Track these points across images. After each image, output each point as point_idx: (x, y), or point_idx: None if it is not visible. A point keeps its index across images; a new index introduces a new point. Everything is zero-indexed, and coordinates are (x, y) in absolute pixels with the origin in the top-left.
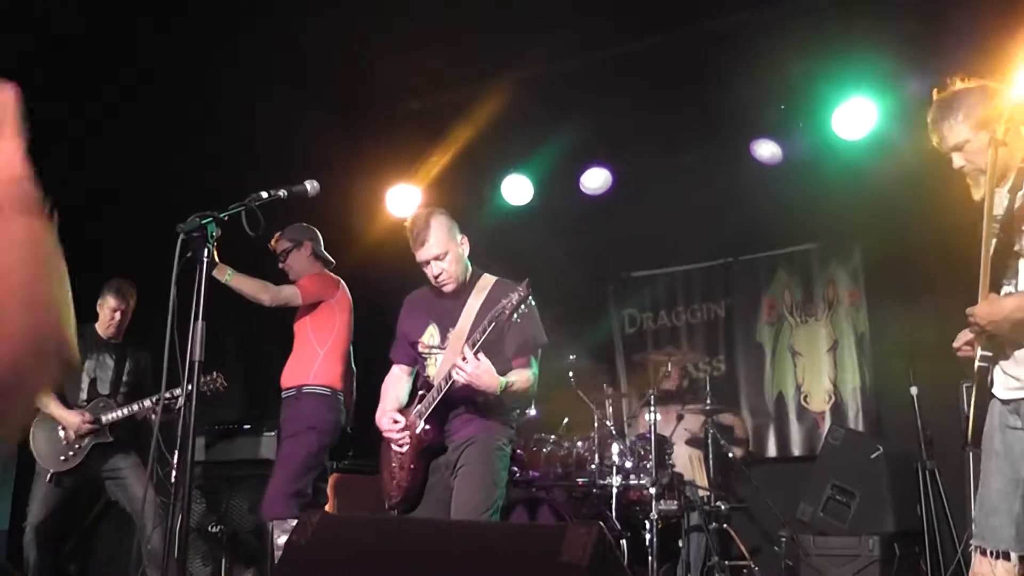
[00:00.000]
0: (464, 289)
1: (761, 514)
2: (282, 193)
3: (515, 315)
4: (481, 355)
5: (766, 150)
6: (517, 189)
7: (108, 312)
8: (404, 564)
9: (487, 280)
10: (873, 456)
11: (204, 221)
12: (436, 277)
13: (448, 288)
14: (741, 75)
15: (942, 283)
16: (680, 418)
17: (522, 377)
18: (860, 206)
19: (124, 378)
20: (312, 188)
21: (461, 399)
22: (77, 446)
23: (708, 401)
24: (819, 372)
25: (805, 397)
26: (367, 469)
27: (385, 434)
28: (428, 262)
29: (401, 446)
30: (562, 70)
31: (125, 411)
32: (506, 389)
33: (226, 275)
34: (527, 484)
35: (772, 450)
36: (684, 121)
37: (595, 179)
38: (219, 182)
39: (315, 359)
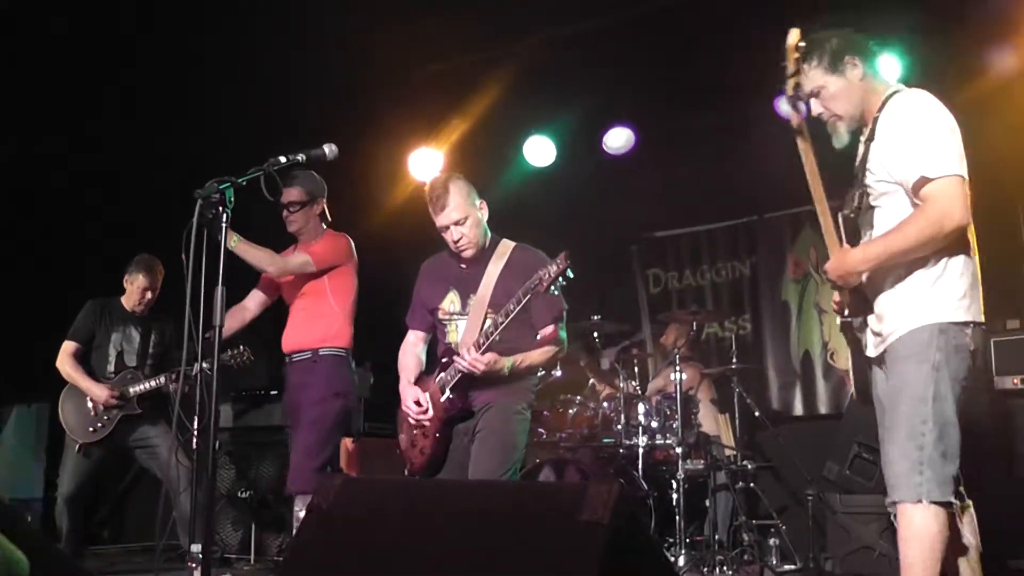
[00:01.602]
0: (484, 255)
1: (788, 473)
2: (300, 157)
3: (553, 288)
4: (489, 354)
5: (788, 107)
6: (539, 150)
7: (138, 290)
8: (426, 525)
9: (507, 245)
10: None
11: (222, 186)
12: (456, 242)
13: (468, 253)
14: (765, 31)
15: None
16: (704, 376)
17: (539, 352)
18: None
19: (151, 350)
20: (330, 151)
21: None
22: (105, 418)
23: (734, 360)
24: None
25: (831, 355)
26: (385, 433)
27: (410, 415)
28: (447, 227)
29: (425, 421)
30: (584, 30)
31: (152, 383)
32: (515, 368)
33: (232, 241)
34: (553, 445)
35: (799, 408)
36: (707, 78)
37: (618, 139)
38: (237, 148)
39: (334, 320)
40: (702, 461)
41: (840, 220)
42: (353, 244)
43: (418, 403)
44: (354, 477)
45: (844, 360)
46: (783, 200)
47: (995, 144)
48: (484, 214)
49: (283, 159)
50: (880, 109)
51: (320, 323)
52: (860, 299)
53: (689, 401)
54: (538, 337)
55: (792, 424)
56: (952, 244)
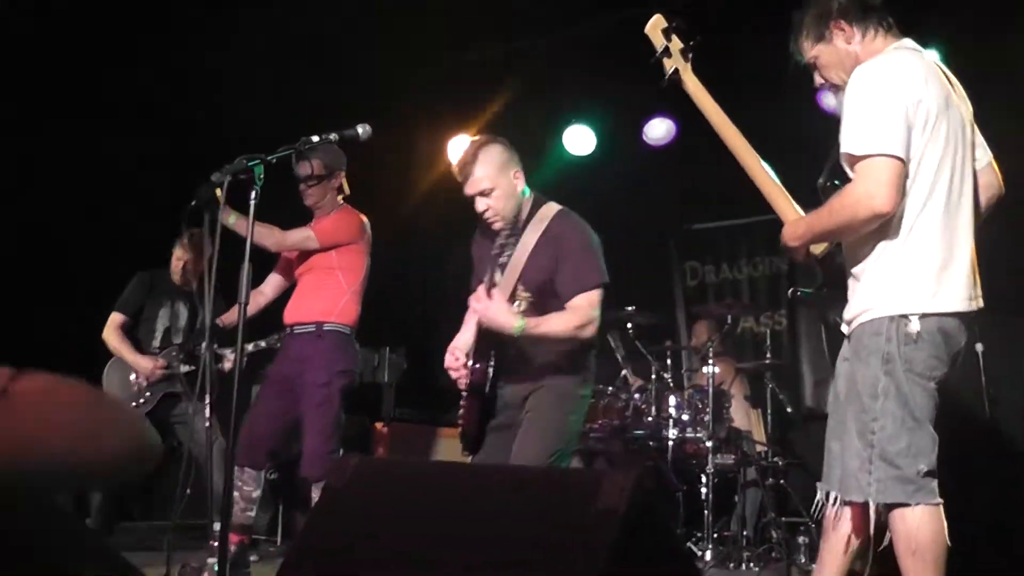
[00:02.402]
0: (525, 222)
1: (819, 471)
2: (333, 136)
3: (591, 256)
4: (496, 293)
5: (832, 100)
6: (579, 139)
7: (174, 260)
8: (439, 508)
9: (550, 209)
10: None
11: (251, 163)
12: (482, 214)
13: (497, 226)
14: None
15: (1014, 232)
16: (739, 371)
17: (560, 320)
18: None
19: (197, 327)
20: (364, 132)
21: (518, 340)
22: (148, 393)
23: (768, 356)
24: None
25: None
26: (416, 418)
27: (447, 367)
28: (474, 197)
29: (459, 382)
30: (626, 18)
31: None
32: (527, 330)
33: (231, 218)
34: (583, 436)
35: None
36: (749, 70)
37: (658, 129)
38: (271, 130)
39: (341, 296)
40: (732, 456)
41: (819, 190)
42: (366, 222)
43: (456, 358)
44: (369, 458)
45: None
46: (818, 190)
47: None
48: (520, 183)
49: (315, 138)
50: None
51: (326, 297)
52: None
53: (721, 395)
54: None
55: (825, 422)
56: (912, 218)
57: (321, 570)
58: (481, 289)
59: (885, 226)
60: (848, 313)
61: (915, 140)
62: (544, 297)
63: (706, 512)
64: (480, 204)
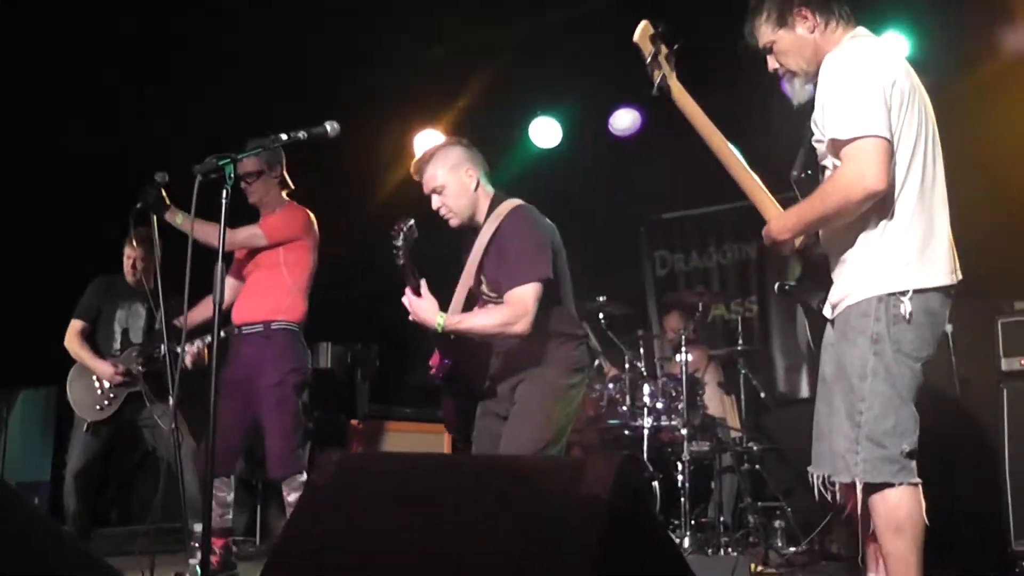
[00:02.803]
0: (485, 219)
1: (793, 455)
2: (302, 134)
3: (525, 250)
4: (424, 290)
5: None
6: (545, 132)
7: (127, 260)
8: (424, 500)
9: (505, 207)
10: None
11: (222, 162)
12: (437, 210)
13: (453, 223)
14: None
15: (979, 217)
16: (711, 359)
17: (485, 316)
18: None
19: (156, 327)
20: (332, 129)
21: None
22: (112, 395)
23: (740, 342)
24: None
25: None
26: (390, 414)
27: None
28: (430, 196)
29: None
30: (590, 9)
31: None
32: (448, 327)
33: (178, 218)
34: None
35: (805, 391)
36: (714, 58)
37: (624, 120)
38: (239, 127)
39: (287, 293)
40: (708, 443)
41: (792, 183)
42: (313, 218)
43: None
44: (352, 453)
45: None
46: (790, 182)
47: (1005, 122)
48: (472, 181)
49: (284, 136)
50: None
51: (273, 296)
52: (813, 265)
53: (695, 383)
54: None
55: (798, 406)
56: (888, 201)
57: (306, 568)
58: (408, 289)
59: (866, 208)
60: (833, 296)
61: (892, 121)
62: (495, 288)
63: (683, 499)
64: (435, 201)
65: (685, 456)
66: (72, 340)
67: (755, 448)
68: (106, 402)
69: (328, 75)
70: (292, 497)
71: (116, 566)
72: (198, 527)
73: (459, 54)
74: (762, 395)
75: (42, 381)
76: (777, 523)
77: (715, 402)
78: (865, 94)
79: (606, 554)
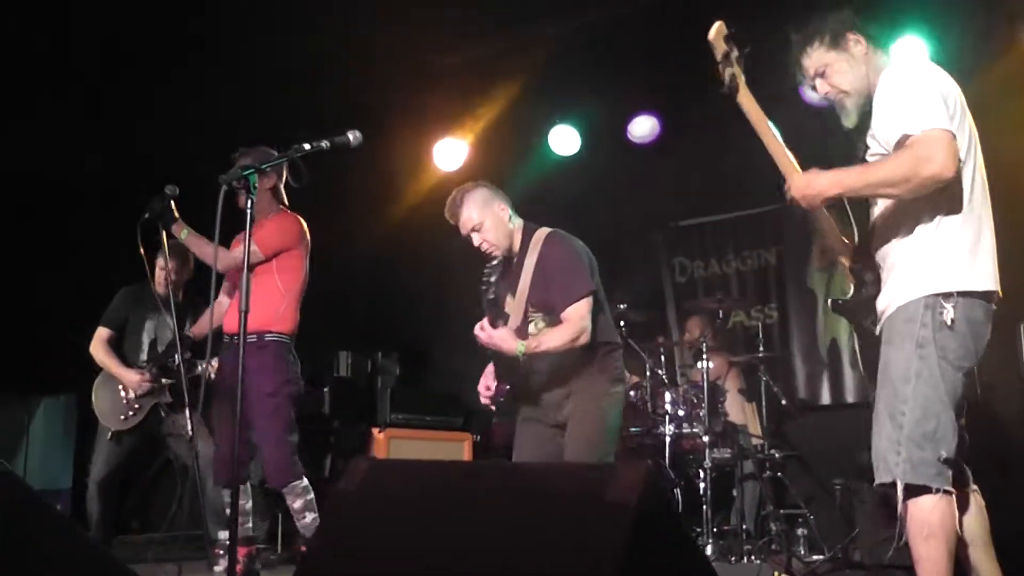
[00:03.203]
0: (520, 250)
1: (815, 462)
2: (324, 144)
3: (571, 271)
4: (499, 324)
5: (814, 93)
6: (564, 139)
7: (157, 271)
8: (452, 507)
9: (541, 234)
10: None
11: (246, 172)
12: (480, 247)
13: (496, 254)
14: (790, 17)
15: (999, 223)
16: (732, 366)
17: (556, 335)
18: None
19: (171, 338)
20: (355, 138)
21: (531, 356)
22: (137, 406)
23: (760, 349)
24: None
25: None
26: (411, 423)
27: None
28: (469, 235)
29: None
30: (608, 17)
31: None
32: (528, 351)
33: (183, 233)
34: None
35: (826, 397)
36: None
37: (642, 127)
38: (262, 135)
39: (279, 303)
40: (729, 450)
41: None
42: (305, 226)
43: (488, 387)
44: (380, 460)
45: None
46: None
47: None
48: (504, 214)
49: (307, 146)
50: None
51: (265, 305)
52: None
53: (716, 390)
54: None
55: (819, 413)
56: (940, 207)
57: (336, 573)
58: (484, 322)
59: (918, 214)
60: (880, 303)
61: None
62: (555, 314)
63: (705, 507)
64: (476, 240)
65: (707, 463)
66: (98, 348)
67: (777, 455)
68: (131, 412)
69: (348, 85)
70: (298, 504)
71: (139, 573)
72: (220, 535)
73: (478, 63)
74: (783, 402)
75: (63, 389)
76: (800, 531)
77: (736, 409)
78: (929, 95)
79: (633, 561)
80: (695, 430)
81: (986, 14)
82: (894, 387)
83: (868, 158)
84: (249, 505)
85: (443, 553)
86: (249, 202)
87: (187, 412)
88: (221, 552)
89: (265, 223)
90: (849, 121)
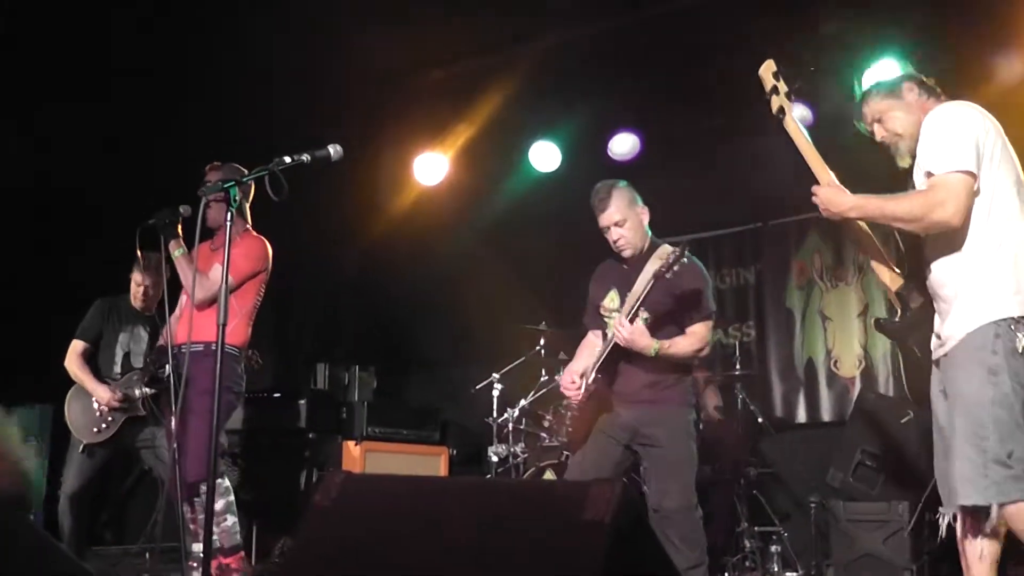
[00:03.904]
0: (643, 257)
1: (791, 480)
2: (305, 158)
3: (668, 273)
4: (638, 321)
5: (796, 113)
6: (545, 156)
7: (133, 286)
8: (427, 522)
9: (665, 249)
10: (903, 421)
11: (226, 185)
12: (615, 242)
13: (626, 253)
14: (770, 37)
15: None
16: (708, 383)
17: (684, 342)
18: (890, 170)
19: (159, 344)
20: (335, 152)
21: (636, 357)
22: (110, 418)
23: (737, 367)
24: (849, 337)
25: (835, 362)
26: (387, 436)
27: (562, 389)
28: (608, 228)
29: (576, 399)
30: (590, 34)
31: (154, 388)
32: (661, 352)
33: (176, 252)
34: (556, 450)
35: (802, 416)
36: (712, 85)
37: (623, 145)
38: (241, 150)
39: (232, 319)
40: (707, 467)
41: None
42: (269, 249)
43: (573, 381)
44: (356, 474)
45: (849, 367)
46: (788, 207)
47: None
48: (645, 219)
49: (288, 159)
50: None
51: (216, 318)
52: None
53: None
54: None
55: (795, 431)
56: (996, 233)
57: None
58: (622, 316)
59: (973, 241)
60: (945, 332)
61: (990, 165)
62: (660, 321)
63: None
64: (614, 233)
65: None
66: (72, 361)
67: (752, 472)
68: (104, 425)
69: (330, 99)
70: (218, 504)
71: None
72: (195, 547)
73: (460, 78)
74: (759, 420)
75: (37, 399)
76: (774, 548)
77: (713, 426)
78: (959, 135)
79: None
80: None
81: (963, 39)
82: (970, 414)
83: None
84: (220, 505)
85: (417, 569)
86: (229, 215)
87: (172, 422)
88: (195, 565)
89: (233, 247)
90: (903, 162)
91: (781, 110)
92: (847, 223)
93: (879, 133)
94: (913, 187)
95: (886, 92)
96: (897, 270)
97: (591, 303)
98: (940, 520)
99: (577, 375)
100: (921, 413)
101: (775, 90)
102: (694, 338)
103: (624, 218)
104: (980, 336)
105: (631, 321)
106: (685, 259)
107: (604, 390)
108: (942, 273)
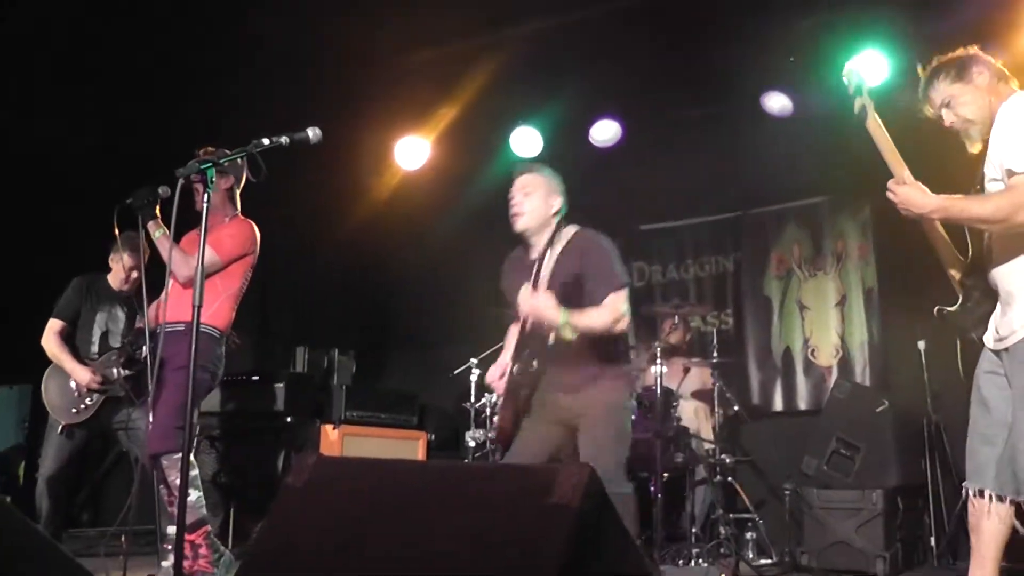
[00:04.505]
0: (549, 244)
1: (766, 467)
2: (283, 140)
3: (572, 250)
4: (542, 291)
5: (776, 103)
6: (526, 141)
7: (124, 269)
8: (397, 505)
9: (569, 231)
10: (879, 410)
11: (203, 166)
12: (512, 207)
13: (516, 222)
14: (751, 26)
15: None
16: (687, 371)
17: (596, 313)
18: (870, 160)
19: (137, 326)
20: (314, 135)
21: (564, 348)
22: (88, 400)
23: (715, 355)
24: (827, 326)
25: (812, 351)
26: (366, 420)
27: (487, 382)
28: (514, 194)
29: (499, 390)
30: (571, 20)
31: (134, 367)
32: (572, 323)
33: (156, 232)
34: None
35: (778, 404)
36: (694, 73)
37: (604, 132)
38: (220, 131)
39: (215, 300)
40: (681, 454)
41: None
42: (257, 232)
43: (501, 375)
44: (327, 457)
45: (826, 357)
46: (768, 196)
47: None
48: (555, 203)
49: (266, 141)
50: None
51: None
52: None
53: (669, 394)
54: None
55: (772, 419)
56: None
57: (281, 569)
58: (527, 287)
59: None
60: (1004, 328)
61: None
62: (572, 300)
63: (655, 510)
64: (515, 198)
65: (658, 467)
66: (50, 340)
67: (728, 460)
68: (82, 405)
69: (310, 81)
70: (173, 478)
71: (88, 567)
72: (171, 529)
73: (441, 62)
74: (736, 407)
75: (17, 379)
76: (749, 535)
77: (689, 414)
78: None
79: (574, 561)
80: (647, 434)
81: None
82: None
83: (987, 185)
84: (174, 479)
85: (386, 551)
86: (206, 196)
87: (149, 402)
88: (169, 547)
89: (221, 228)
90: (974, 148)
91: (863, 110)
92: (926, 222)
93: (948, 118)
94: (983, 175)
95: (955, 76)
96: (962, 257)
97: (508, 296)
98: (967, 491)
99: (503, 367)
100: (896, 403)
101: (858, 90)
102: (605, 310)
103: (533, 190)
104: None
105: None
106: (589, 234)
107: (530, 379)
108: (1003, 267)
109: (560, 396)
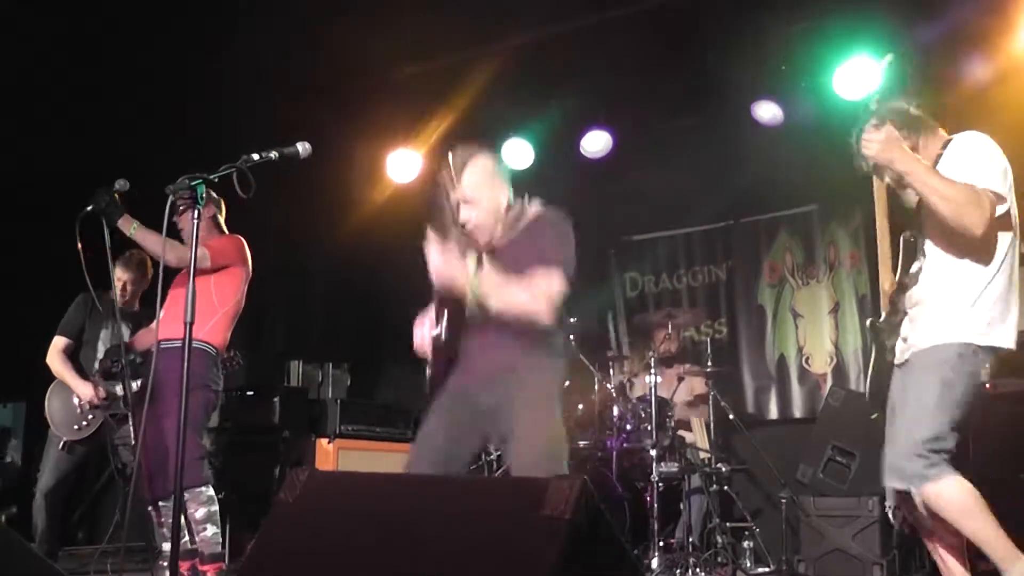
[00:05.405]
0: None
1: (762, 476)
2: (273, 155)
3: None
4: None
5: (767, 111)
6: (517, 153)
7: (118, 283)
8: (389, 518)
9: (529, 213)
10: (874, 417)
11: (194, 183)
12: (463, 223)
13: (477, 237)
14: (742, 35)
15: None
16: (680, 380)
17: (514, 291)
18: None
19: (114, 343)
20: (304, 149)
21: (487, 332)
22: (91, 416)
23: (709, 363)
24: (820, 334)
25: (807, 359)
26: (361, 434)
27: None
28: (459, 204)
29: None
30: (562, 32)
31: (139, 383)
32: (482, 293)
33: (131, 227)
34: None
35: (773, 412)
36: (684, 83)
37: (595, 142)
38: (210, 146)
39: (211, 316)
40: (676, 464)
41: (901, 242)
42: (247, 250)
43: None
44: (319, 471)
45: (821, 364)
46: (760, 205)
47: None
48: (502, 198)
49: (256, 156)
50: (944, 147)
51: (197, 316)
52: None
53: (664, 404)
54: None
55: (766, 427)
56: (984, 263)
57: None
58: (437, 243)
59: (971, 265)
60: (914, 337)
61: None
62: (512, 271)
63: (651, 520)
64: (463, 212)
65: (654, 477)
66: (55, 357)
67: (724, 469)
68: (84, 422)
69: (301, 95)
70: (200, 513)
71: None
72: (165, 546)
73: (433, 75)
74: (731, 416)
75: (12, 397)
76: (746, 543)
77: (686, 423)
78: (998, 166)
79: (567, 572)
80: (643, 444)
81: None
82: (915, 409)
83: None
84: (202, 513)
85: (378, 565)
86: (196, 212)
87: (138, 419)
88: (166, 564)
89: (212, 240)
90: (908, 203)
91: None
92: (879, 171)
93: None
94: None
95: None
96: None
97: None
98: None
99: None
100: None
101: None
102: (533, 289)
103: (478, 197)
104: (945, 351)
105: (480, 272)
106: (548, 215)
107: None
108: (931, 281)
109: (477, 392)
